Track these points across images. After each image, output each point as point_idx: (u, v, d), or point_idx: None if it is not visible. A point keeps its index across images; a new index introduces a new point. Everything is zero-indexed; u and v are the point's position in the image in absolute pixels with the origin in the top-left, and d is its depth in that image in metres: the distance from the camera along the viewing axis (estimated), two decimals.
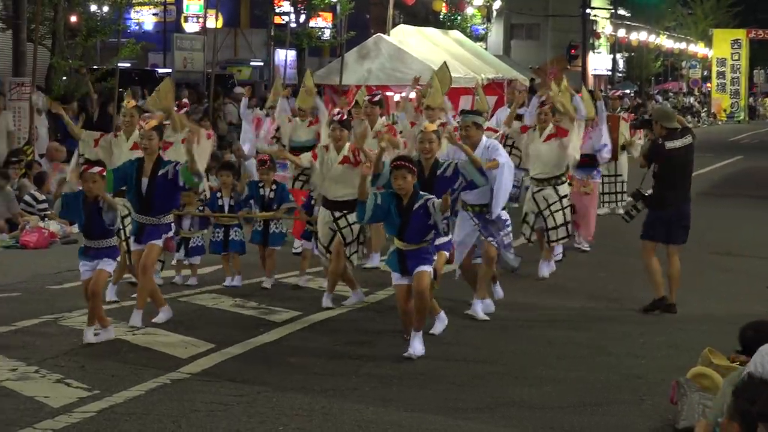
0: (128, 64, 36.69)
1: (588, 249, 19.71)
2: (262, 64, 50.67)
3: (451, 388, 11.39)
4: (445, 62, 19.49)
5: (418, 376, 11.75)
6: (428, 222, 11.95)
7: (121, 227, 13.91)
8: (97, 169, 12.55)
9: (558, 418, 10.45)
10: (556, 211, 17.05)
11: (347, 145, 14.58)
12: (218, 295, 15.71)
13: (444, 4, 48.13)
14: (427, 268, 12.08)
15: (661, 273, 15.02)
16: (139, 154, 13.84)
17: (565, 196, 17.22)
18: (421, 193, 12.02)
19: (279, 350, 12.84)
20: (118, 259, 13.34)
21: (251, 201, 16.18)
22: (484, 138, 14.01)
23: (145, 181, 13.34)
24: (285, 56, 45.05)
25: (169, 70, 41.90)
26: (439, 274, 12.69)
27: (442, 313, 13.24)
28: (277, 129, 19.35)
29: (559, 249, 17.97)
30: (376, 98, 17.97)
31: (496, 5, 60.84)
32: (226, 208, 16.23)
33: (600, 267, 18.54)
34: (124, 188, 13.73)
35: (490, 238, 14.07)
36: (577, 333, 13.98)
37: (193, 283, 16.29)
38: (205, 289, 16.00)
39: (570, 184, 17.81)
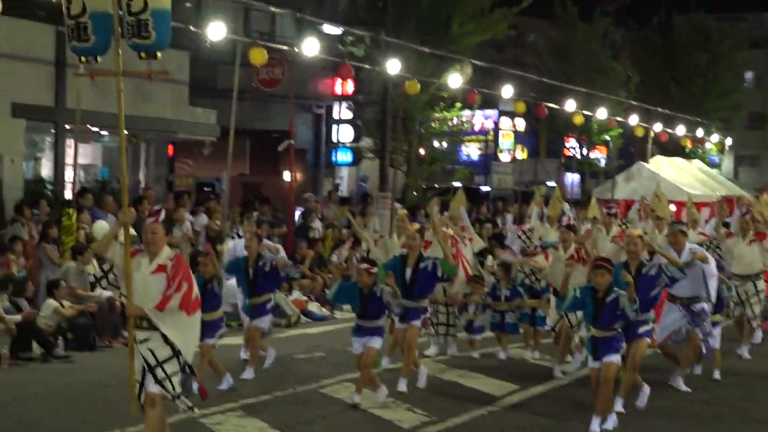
0: (460, 184, 37.06)
1: None
2: (554, 184, 50.40)
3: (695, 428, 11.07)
4: (658, 184, 18.50)
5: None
6: (617, 312, 10.63)
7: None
8: (365, 265, 11.74)
9: None
10: (755, 303, 15.61)
11: (573, 245, 13.42)
12: (519, 349, 15.46)
13: (689, 141, 46.99)
14: (615, 358, 10.79)
15: None
16: None
17: (762, 290, 15.79)
18: (614, 288, 10.74)
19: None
20: (384, 336, 12.01)
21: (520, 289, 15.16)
22: (687, 243, 12.82)
23: (408, 271, 12.52)
24: (572, 178, 44.96)
25: (489, 189, 42.43)
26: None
27: (646, 387, 11.76)
28: (530, 230, 17.75)
29: (759, 334, 16.34)
30: (612, 211, 17.08)
31: (728, 142, 59.25)
32: (502, 298, 15.17)
33: None
34: None
35: (697, 328, 12.94)
36: None
37: (476, 356, 14.94)
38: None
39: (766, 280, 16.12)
